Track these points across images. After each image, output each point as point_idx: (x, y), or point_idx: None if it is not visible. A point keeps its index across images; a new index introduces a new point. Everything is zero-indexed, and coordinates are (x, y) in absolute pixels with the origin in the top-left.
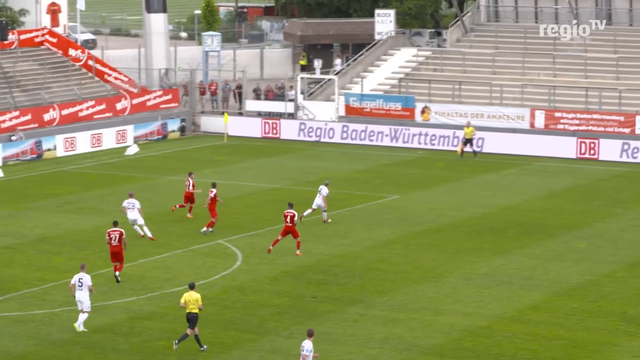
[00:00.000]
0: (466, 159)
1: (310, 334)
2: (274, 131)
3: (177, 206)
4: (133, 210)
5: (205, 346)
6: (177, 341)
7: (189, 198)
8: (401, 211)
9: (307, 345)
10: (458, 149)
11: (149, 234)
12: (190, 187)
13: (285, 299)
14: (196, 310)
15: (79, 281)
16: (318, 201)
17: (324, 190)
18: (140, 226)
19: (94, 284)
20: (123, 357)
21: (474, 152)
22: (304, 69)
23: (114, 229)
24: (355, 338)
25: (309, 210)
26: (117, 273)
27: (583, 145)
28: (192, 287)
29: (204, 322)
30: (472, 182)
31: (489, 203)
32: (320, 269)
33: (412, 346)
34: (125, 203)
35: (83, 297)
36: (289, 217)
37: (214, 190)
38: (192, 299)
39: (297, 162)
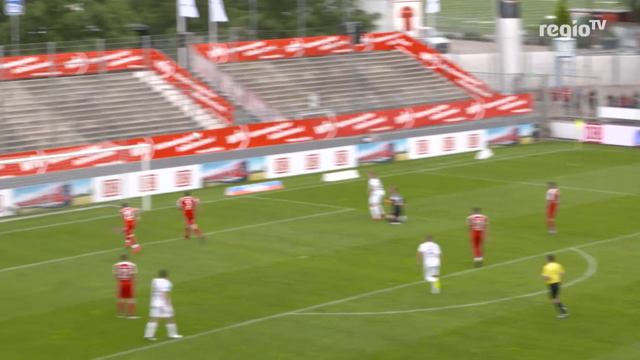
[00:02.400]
0: None
1: None
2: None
3: None
4: None
5: (564, 314)
6: (561, 314)
7: None
8: None
9: None
10: None
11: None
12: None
13: None
14: (558, 280)
15: (429, 250)
16: None
17: None
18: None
19: (448, 286)
20: None
21: None
22: None
23: (476, 215)
24: None
25: None
26: (478, 258)
27: None
28: (551, 258)
29: (556, 329)
30: None
31: None
32: None
33: None
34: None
35: (435, 263)
36: None
37: None
38: (553, 270)
39: None
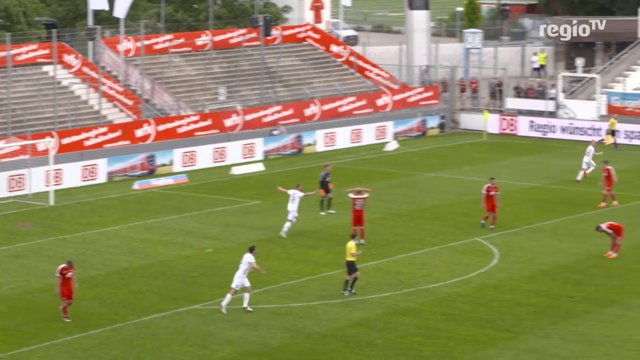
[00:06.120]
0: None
1: None
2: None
3: None
4: None
5: (347, 293)
6: (344, 291)
7: None
8: None
9: None
10: (607, 140)
11: None
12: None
13: (542, 298)
14: (349, 258)
15: (293, 195)
16: None
17: None
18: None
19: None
20: (378, 352)
21: (615, 144)
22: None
23: (358, 195)
24: (612, 339)
25: None
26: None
27: None
28: (353, 237)
29: (459, 319)
30: None
31: None
32: (578, 268)
33: None
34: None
35: (294, 207)
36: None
37: None
38: (347, 248)
39: (558, 160)
